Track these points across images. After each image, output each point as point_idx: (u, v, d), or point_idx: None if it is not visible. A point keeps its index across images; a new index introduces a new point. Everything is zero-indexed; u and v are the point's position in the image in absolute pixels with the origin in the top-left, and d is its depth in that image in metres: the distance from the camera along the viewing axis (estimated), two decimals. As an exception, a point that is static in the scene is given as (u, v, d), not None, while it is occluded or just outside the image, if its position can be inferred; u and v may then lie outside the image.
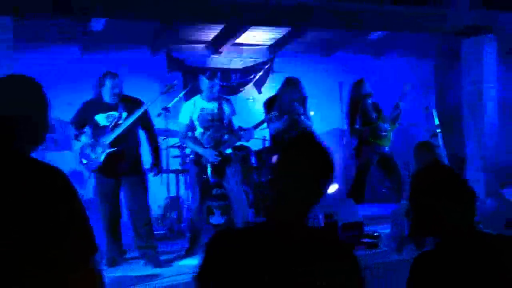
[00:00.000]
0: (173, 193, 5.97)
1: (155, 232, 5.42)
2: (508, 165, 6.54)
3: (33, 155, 1.56)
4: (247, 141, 5.11)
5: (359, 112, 5.60)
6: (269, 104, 5.38)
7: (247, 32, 6.62)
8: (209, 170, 4.76)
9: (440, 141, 5.88)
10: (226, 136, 4.83)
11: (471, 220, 1.75)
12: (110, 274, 4.13)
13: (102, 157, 4.38)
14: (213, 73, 4.87)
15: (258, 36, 7.07)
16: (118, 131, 4.39)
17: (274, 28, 6.72)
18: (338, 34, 7.33)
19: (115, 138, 4.38)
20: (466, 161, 6.43)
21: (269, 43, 7.41)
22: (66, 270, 1.42)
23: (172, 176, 5.98)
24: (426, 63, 8.21)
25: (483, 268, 1.63)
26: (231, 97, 6.63)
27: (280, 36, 7.17)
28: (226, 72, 7.25)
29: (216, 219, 5.49)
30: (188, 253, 4.82)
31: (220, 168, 4.80)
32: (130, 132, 4.48)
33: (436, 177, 1.80)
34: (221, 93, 6.87)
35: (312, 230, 1.58)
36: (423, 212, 1.77)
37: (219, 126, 4.82)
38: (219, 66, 7.25)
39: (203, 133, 4.82)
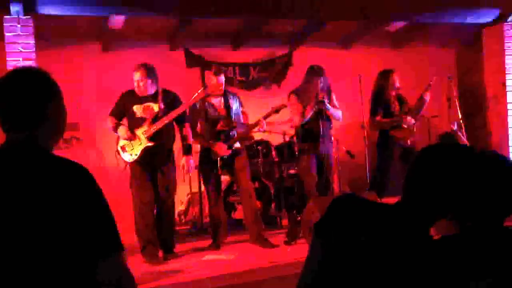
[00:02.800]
0: (195, 189, 6.00)
1: (178, 228, 5.47)
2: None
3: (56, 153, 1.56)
4: (263, 131, 5.11)
5: (382, 103, 5.51)
6: (294, 94, 5.33)
7: (265, 26, 6.59)
8: (218, 164, 4.79)
9: (463, 133, 5.77)
10: (234, 131, 4.84)
11: (503, 215, 1.65)
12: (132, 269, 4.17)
13: (139, 150, 4.44)
14: (219, 68, 4.86)
15: (277, 30, 7.03)
16: (159, 125, 4.43)
17: (292, 21, 6.68)
18: (357, 26, 7.26)
19: (154, 132, 4.43)
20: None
21: (288, 36, 7.37)
22: (90, 268, 1.42)
23: (194, 172, 6.01)
24: (447, 53, 8.09)
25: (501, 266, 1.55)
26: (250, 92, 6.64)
27: (299, 29, 7.13)
28: (244, 67, 7.23)
29: (239, 214, 5.50)
30: (211, 248, 4.84)
31: (229, 162, 4.82)
32: (167, 126, 4.52)
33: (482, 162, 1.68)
34: (240, 88, 6.92)
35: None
36: (452, 197, 1.71)
37: (227, 121, 4.83)
38: (237, 61, 7.24)
39: (211, 128, 4.83)
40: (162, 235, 4.62)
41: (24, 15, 4.69)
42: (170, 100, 4.56)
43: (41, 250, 1.40)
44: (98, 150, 6.09)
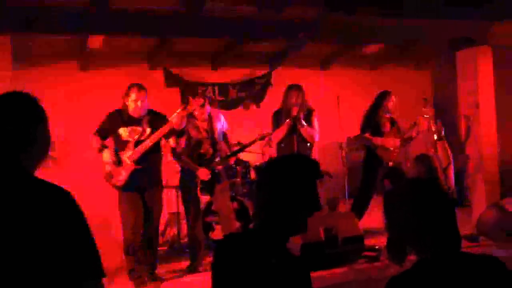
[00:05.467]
0: (173, 209, 5.95)
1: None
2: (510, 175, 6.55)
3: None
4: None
5: (372, 122, 5.56)
6: (276, 115, 5.36)
7: (245, 46, 6.65)
8: (198, 185, 4.78)
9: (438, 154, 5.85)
10: (217, 153, 4.84)
11: (452, 238, 1.63)
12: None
13: (126, 175, 4.34)
14: (203, 100, 4.80)
15: (256, 50, 7.10)
16: (142, 149, 4.33)
17: (271, 41, 6.75)
18: (336, 47, 7.38)
19: (140, 155, 4.34)
20: (466, 172, 6.44)
21: (267, 57, 7.44)
22: None
23: (172, 191, 5.96)
24: (423, 74, 8.26)
25: None
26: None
27: (278, 49, 7.21)
28: (224, 87, 7.26)
29: (218, 234, 5.47)
30: (190, 270, 4.79)
31: (210, 184, 4.81)
32: (153, 147, 4.42)
33: (411, 191, 1.68)
34: (219, 108, 6.94)
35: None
36: (399, 230, 1.67)
37: (211, 143, 4.83)
38: (217, 80, 7.27)
39: (195, 150, 4.81)
40: (148, 257, 4.53)
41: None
42: (157, 121, 4.45)
43: (20, 275, 1.37)
44: (75, 170, 6.00)
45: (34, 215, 1.40)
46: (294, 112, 5.10)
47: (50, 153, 1.61)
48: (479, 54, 6.46)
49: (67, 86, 6.26)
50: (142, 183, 4.41)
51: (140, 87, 4.43)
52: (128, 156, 4.35)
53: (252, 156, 6.25)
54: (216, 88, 7.20)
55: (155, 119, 4.48)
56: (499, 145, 6.50)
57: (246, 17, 5.48)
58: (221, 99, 7.21)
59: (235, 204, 5.65)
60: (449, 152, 5.39)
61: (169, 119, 4.40)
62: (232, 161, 5.79)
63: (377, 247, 4.88)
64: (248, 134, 5.54)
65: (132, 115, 4.40)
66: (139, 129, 4.40)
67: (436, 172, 4.14)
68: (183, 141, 4.79)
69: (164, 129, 4.37)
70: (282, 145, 5.25)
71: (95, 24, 5.01)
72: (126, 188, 4.39)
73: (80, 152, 5.63)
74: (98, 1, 4.83)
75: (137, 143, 4.36)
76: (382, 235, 5.39)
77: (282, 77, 7.29)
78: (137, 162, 4.35)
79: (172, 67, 6.95)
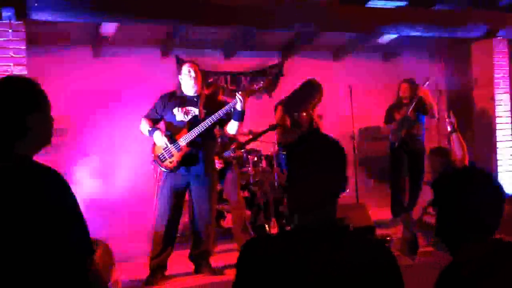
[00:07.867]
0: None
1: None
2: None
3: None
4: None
5: (392, 112, 5.90)
6: (282, 107, 5.34)
7: (257, 35, 6.62)
8: None
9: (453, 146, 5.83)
10: (225, 140, 4.84)
11: (494, 227, 1.67)
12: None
13: (179, 157, 4.09)
14: (218, 87, 4.76)
15: (269, 40, 7.07)
16: (197, 131, 4.06)
17: (284, 31, 6.72)
18: (348, 37, 7.32)
19: (193, 139, 4.08)
20: (478, 165, 6.39)
21: (280, 46, 7.41)
22: (62, 270, 1.45)
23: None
24: (436, 65, 8.18)
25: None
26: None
27: (291, 39, 7.17)
28: (236, 76, 7.25)
29: (228, 222, 5.49)
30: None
31: (221, 173, 4.81)
32: (209, 132, 4.17)
33: (467, 179, 1.71)
34: (231, 97, 6.92)
35: (343, 229, 1.53)
36: (450, 215, 1.69)
37: (222, 132, 4.77)
38: (229, 69, 7.26)
39: None
40: (197, 256, 4.30)
41: (16, 20, 4.66)
42: (213, 104, 4.24)
43: (13, 253, 1.41)
44: (88, 155, 6.04)
45: (25, 198, 1.42)
46: (316, 121, 5.19)
47: (61, 138, 1.62)
48: (495, 46, 6.38)
49: (81, 72, 6.28)
50: (193, 169, 4.13)
51: (192, 61, 4.29)
52: (182, 137, 4.10)
53: (264, 145, 6.25)
54: (228, 77, 7.19)
55: (211, 102, 4.27)
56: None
57: (260, 5, 5.45)
58: (233, 88, 7.20)
59: (246, 193, 5.66)
60: (464, 143, 5.37)
61: (235, 100, 4.09)
62: (243, 150, 5.80)
63: (388, 238, 4.87)
64: (260, 123, 5.53)
65: (187, 93, 4.19)
66: (195, 110, 4.16)
67: (453, 165, 4.10)
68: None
69: (221, 112, 4.07)
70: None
71: (109, 11, 5.01)
72: (174, 173, 4.13)
73: (94, 137, 5.65)
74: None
75: (192, 125, 4.10)
76: (394, 227, 5.40)
77: (295, 67, 7.28)
78: (191, 145, 4.09)
79: (184, 55, 6.94)
